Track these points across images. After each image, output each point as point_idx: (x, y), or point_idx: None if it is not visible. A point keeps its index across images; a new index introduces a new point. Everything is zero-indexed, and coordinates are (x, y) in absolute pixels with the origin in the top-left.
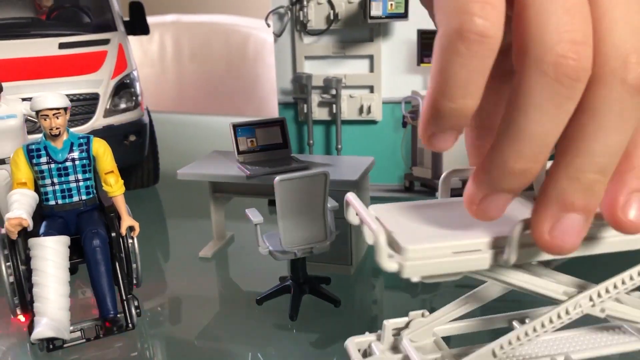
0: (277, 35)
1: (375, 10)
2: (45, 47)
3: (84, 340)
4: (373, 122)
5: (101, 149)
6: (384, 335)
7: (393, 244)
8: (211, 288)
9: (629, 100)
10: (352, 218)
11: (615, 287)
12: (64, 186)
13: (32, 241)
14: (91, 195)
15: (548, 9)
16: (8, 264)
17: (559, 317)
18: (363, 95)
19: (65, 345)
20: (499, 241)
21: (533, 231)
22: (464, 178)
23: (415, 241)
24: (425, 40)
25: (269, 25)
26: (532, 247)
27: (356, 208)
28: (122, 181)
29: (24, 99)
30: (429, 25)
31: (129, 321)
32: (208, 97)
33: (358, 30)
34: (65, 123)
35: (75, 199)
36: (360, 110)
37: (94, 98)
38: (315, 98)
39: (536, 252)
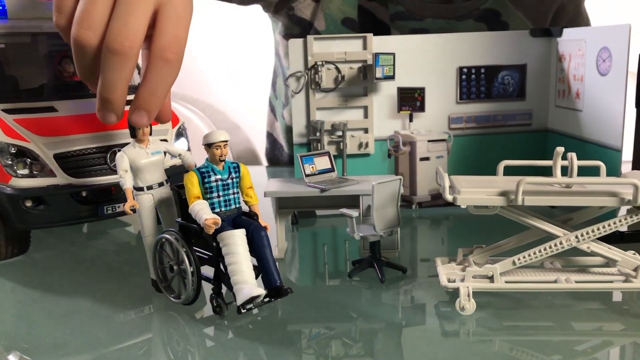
0: (296, 92)
1: (378, 74)
2: None
3: (264, 303)
4: (368, 154)
5: (246, 171)
6: (457, 256)
7: (456, 189)
8: (303, 275)
9: None
10: (439, 179)
11: (593, 231)
12: (226, 197)
13: (223, 234)
14: (240, 205)
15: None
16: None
17: (555, 245)
18: (361, 135)
19: (253, 308)
20: (513, 191)
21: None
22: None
23: (467, 187)
24: (402, 94)
25: (287, 86)
26: (537, 196)
27: (439, 171)
28: (256, 194)
29: (114, 145)
30: (405, 84)
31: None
32: None
33: (356, 88)
34: (228, 152)
35: (233, 207)
36: (359, 146)
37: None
38: (326, 138)
39: (542, 199)
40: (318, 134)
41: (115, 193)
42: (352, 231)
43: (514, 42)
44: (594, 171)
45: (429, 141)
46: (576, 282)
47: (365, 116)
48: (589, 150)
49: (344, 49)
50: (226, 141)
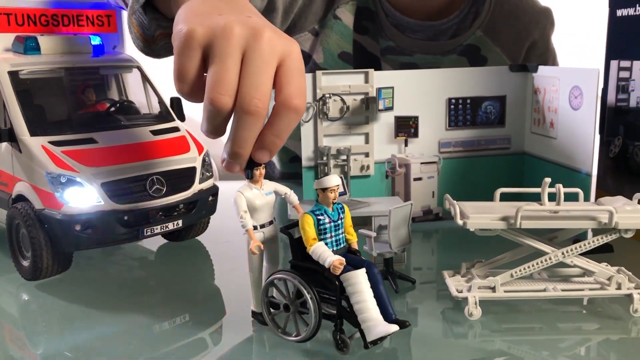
0: (306, 121)
1: (380, 106)
2: (141, 134)
3: (387, 336)
4: (368, 176)
5: (348, 211)
6: (461, 269)
7: (464, 214)
8: None
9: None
10: (447, 205)
11: (576, 248)
12: (337, 237)
13: (348, 275)
14: (346, 243)
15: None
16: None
17: (545, 260)
18: (362, 159)
19: (379, 342)
20: (512, 217)
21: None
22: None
23: (474, 213)
24: (399, 122)
25: None
26: (532, 220)
27: (449, 199)
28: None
29: (152, 174)
30: (401, 113)
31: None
32: None
33: (359, 117)
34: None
35: (342, 245)
36: (361, 168)
37: (193, 170)
38: (332, 162)
39: (535, 223)
40: (325, 158)
41: (152, 216)
42: (370, 249)
43: (495, 76)
44: (572, 195)
45: (421, 163)
46: (562, 290)
47: (367, 142)
48: (562, 173)
49: (348, 82)
50: (338, 185)
